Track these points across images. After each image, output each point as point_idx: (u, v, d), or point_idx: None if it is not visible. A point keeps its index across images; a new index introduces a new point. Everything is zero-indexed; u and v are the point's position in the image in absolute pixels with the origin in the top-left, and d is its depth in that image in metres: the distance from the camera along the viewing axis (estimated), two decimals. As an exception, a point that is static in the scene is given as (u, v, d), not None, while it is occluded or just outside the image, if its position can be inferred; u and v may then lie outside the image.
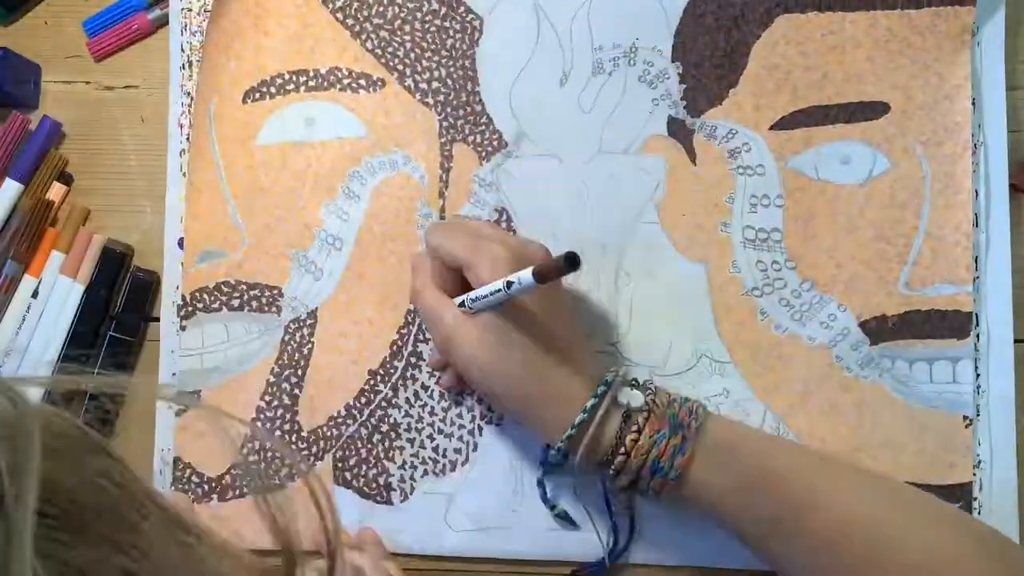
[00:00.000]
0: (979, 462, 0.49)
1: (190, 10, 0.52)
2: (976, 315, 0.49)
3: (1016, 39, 0.51)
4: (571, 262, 0.38)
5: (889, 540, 0.40)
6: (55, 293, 0.52)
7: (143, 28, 0.54)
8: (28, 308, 0.52)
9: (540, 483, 0.50)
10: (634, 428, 0.43)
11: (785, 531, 0.42)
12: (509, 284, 0.41)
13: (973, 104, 0.50)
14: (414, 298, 0.48)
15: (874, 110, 0.51)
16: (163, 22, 0.54)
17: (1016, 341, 0.50)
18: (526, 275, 0.41)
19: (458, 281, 0.45)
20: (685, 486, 0.43)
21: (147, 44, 0.55)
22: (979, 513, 0.48)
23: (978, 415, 0.49)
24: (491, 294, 0.42)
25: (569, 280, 0.51)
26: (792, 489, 0.42)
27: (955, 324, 0.49)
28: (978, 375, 0.49)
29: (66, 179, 0.54)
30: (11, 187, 0.53)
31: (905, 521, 0.41)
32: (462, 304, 0.44)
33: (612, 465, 0.44)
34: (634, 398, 0.44)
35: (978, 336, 0.49)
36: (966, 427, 0.49)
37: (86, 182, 0.55)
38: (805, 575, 0.42)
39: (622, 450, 0.43)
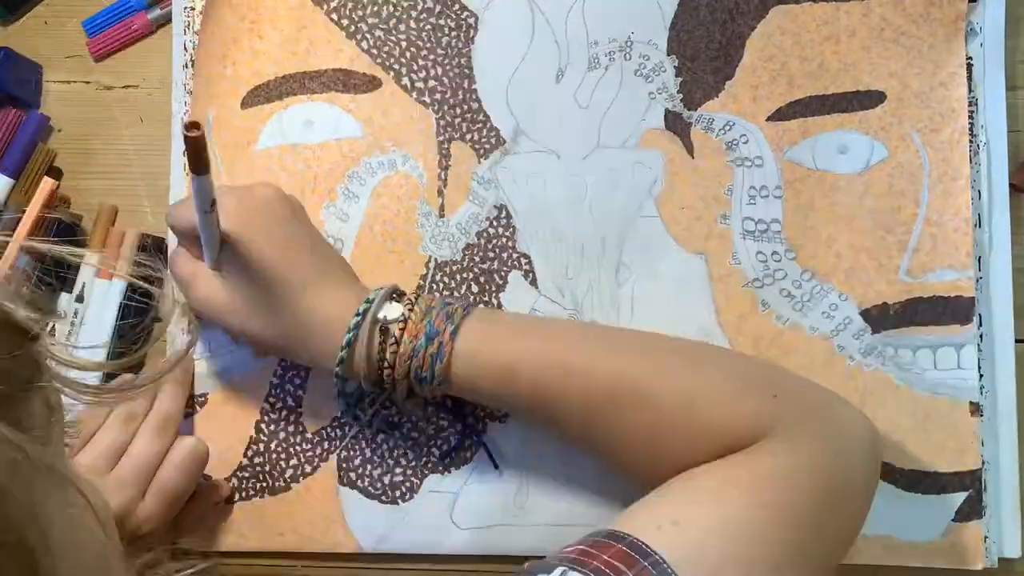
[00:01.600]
0: (984, 463, 0.49)
1: (193, 8, 0.52)
2: (980, 316, 0.49)
3: (1016, 39, 0.51)
4: (189, 128, 0.37)
5: (643, 387, 0.42)
6: (94, 296, 0.52)
7: (143, 28, 0.54)
8: (75, 313, 0.52)
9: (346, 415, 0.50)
10: (392, 341, 0.44)
11: (548, 406, 0.43)
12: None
13: (975, 104, 0.50)
14: (170, 272, 0.48)
15: (870, 99, 0.51)
16: (163, 22, 0.54)
17: (1017, 341, 0.50)
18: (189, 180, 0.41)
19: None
20: (453, 388, 0.44)
21: (147, 44, 0.55)
22: (987, 512, 0.48)
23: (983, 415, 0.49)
24: (199, 229, 0.43)
25: (569, 274, 0.51)
26: (549, 365, 0.43)
27: (958, 310, 0.49)
28: (982, 376, 0.49)
29: (55, 174, 0.54)
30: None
31: (658, 367, 0.43)
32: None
33: (383, 382, 0.44)
34: (391, 311, 0.44)
35: (981, 336, 0.49)
36: (972, 414, 0.49)
37: (86, 183, 0.55)
38: (591, 444, 0.44)
39: (385, 364, 0.44)
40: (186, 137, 0.37)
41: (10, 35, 0.56)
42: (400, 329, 0.44)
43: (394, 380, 0.44)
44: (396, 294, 0.46)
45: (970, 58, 0.51)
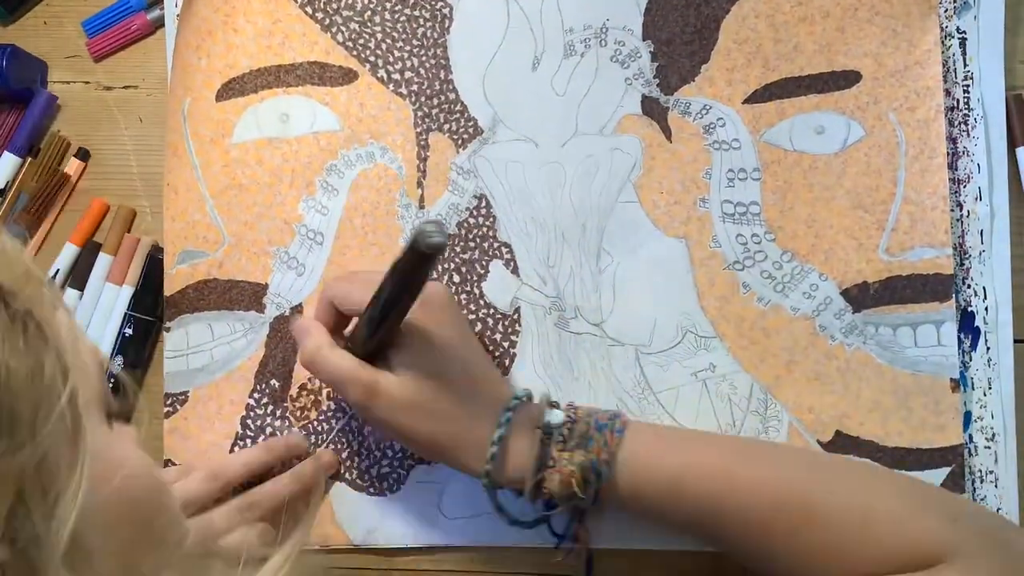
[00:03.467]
0: (991, 470, 0.49)
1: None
2: (982, 316, 0.50)
3: (1016, 39, 0.51)
4: (412, 248, 0.37)
5: (813, 503, 0.41)
6: (102, 299, 0.53)
7: (142, 28, 0.54)
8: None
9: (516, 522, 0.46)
10: (557, 445, 0.43)
11: (714, 520, 0.42)
12: (378, 297, 0.41)
13: (971, 78, 0.50)
14: (309, 361, 0.45)
15: (846, 79, 0.51)
16: (162, 23, 0.54)
17: (1016, 341, 0.50)
18: (387, 280, 0.40)
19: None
20: (611, 501, 0.43)
21: (146, 44, 0.55)
22: (982, 498, 0.49)
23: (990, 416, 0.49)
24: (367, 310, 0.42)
25: (551, 262, 0.51)
26: (715, 478, 0.42)
27: (937, 287, 0.49)
28: (991, 381, 0.50)
29: (83, 156, 0.55)
30: (8, 160, 0.54)
31: (827, 483, 0.42)
32: (346, 346, 0.44)
33: (542, 487, 0.43)
34: (554, 416, 0.43)
35: (987, 339, 0.50)
36: (953, 390, 0.49)
37: (85, 183, 0.55)
38: (755, 559, 0.42)
39: (548, 469, 0.42)
40: (428, 257, 0.37)
41: (9, 35, 0.56)
42: (564, 434, 0.43)
43: (552, 486, 0.42)
44: (528, 397, 0.45)
45: (964, 32, 0.50)
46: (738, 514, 0.42)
